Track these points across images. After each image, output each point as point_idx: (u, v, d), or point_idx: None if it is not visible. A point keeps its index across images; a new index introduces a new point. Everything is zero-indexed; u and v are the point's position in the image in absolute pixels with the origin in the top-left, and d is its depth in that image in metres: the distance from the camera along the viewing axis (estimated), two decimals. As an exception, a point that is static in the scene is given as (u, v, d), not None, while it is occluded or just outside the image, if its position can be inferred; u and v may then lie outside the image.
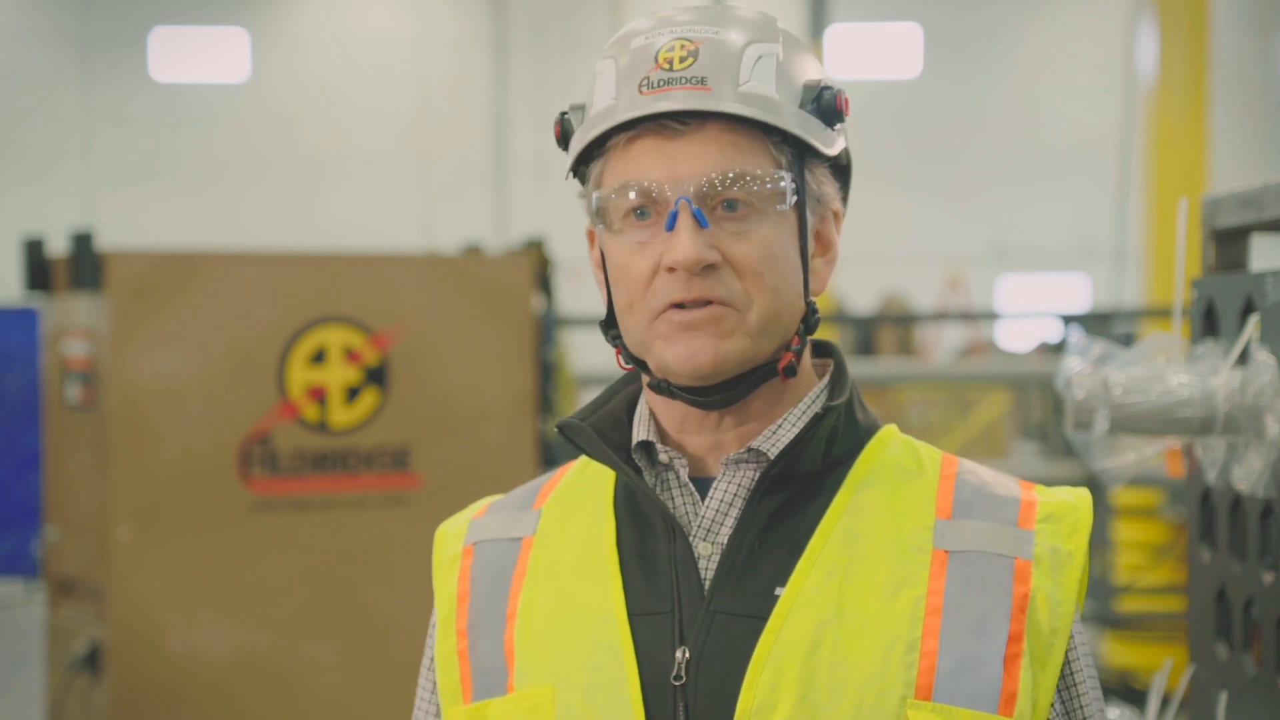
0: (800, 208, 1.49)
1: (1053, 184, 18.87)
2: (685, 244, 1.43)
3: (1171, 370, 2.03)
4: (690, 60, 1.45)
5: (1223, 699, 2.12)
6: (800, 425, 1.50)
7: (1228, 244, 2.23)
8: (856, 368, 7.83)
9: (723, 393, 1.48)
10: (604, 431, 1.54)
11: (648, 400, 1.55)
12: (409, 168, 18.77)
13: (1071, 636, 1.48)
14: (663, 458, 1.52)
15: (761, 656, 1.42)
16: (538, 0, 19.11)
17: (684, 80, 1.44)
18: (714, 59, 1.45)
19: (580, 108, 1.53)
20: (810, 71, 1.51)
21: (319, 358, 4.30)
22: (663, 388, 1.50)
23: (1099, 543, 7.04)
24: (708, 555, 1.48)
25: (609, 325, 1.54)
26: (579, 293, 9.83)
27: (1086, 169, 17.70)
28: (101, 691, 4.08)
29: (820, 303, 1.56)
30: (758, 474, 1.49)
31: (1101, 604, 7.06)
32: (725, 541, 1.48)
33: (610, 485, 1.56)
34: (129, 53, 18.75)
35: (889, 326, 12.30)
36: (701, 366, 1.45)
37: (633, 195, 1.46)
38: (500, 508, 1.62)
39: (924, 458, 1.54)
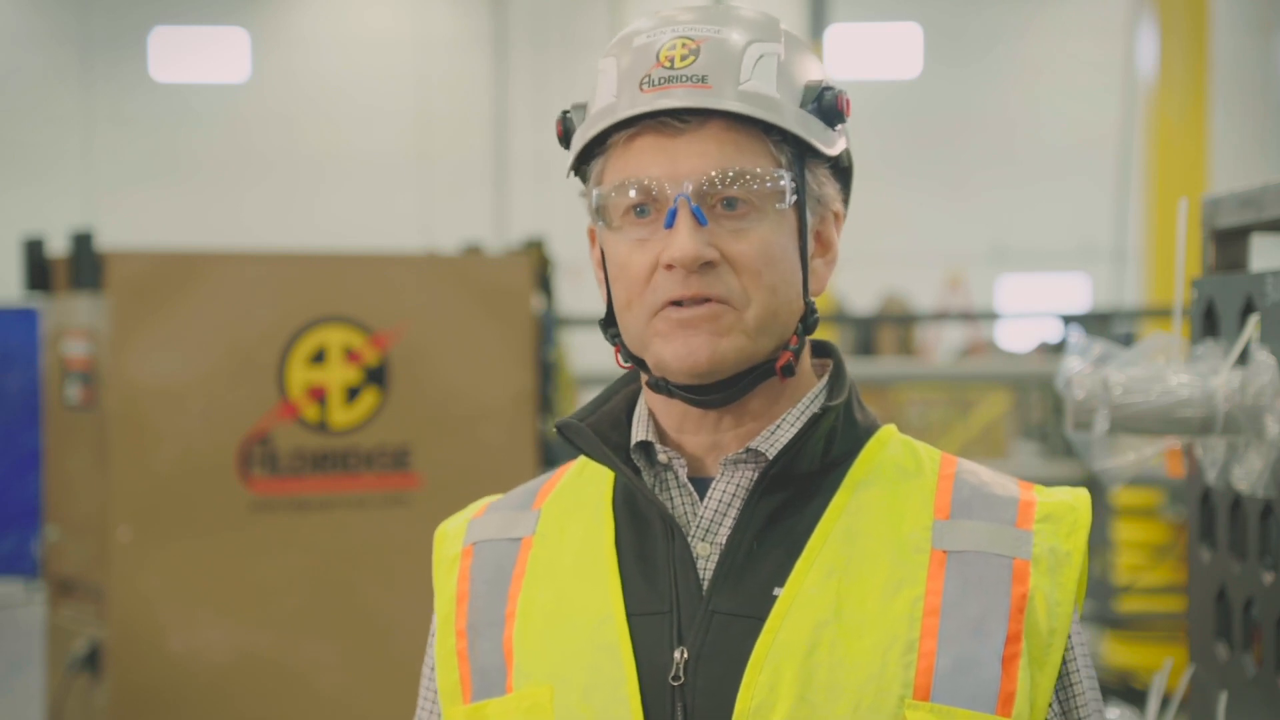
0: (800, 207, 1.49)
1: (1053, 184, 18.87)
2: (684, 241, 1.43)
3: (1171, 370, 2.03)
4: (692, 59, 1.45)
5: (1223, 699, 2.12)
6: (799, 425, 1.50)
7: (1228, 244, 2.23)
8: (856, 368, 7.83)
9: (720, 391, 1.48)
10: (603, 432, 1.54)
11: (647, 400, 1.55)
12: (409, 168, 18.77)
13: (1070, 636, 1.47)
14: (661, 458, 1.52)
15: (760, 657, 1.42)
16: (538, 0, 19.11)
17: (685, 78, 1.45)
18: (715, 58, 1.45)
19: (582, 106, 1.53)
20: (812, 72, 1.51)
21: (319, 358, 4.30)
22: (661, 386, 1.50)
23: (1099, 543, 7.04)
24: (706, 555, 1.48)
25: (608, 324, 1.54)
26: (579, 293, 9.83)
27: (1086, 169, 17.70)
28: (101, 691, 4.08)
29: (820, 303, 1.56)
30: (756, 474, 1.49)
31: (1101, 604, 7.06)
32: (724, 542, 1.48)
33: (609, 485, 1.56)
34: (129, 53, 18.75)
35: (889, 326, 12.31)
36: (699, 365, 1.45)
37: (633, 193, 1.46)
38: (499, 508, 1.62)
39: (923, 458, 1.54)
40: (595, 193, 1.50)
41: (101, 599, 4.11)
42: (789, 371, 1.50)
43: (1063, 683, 1.48)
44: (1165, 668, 2.22)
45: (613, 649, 1.45)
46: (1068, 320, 8.72)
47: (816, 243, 1.53)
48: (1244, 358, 2.01)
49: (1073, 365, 2.10)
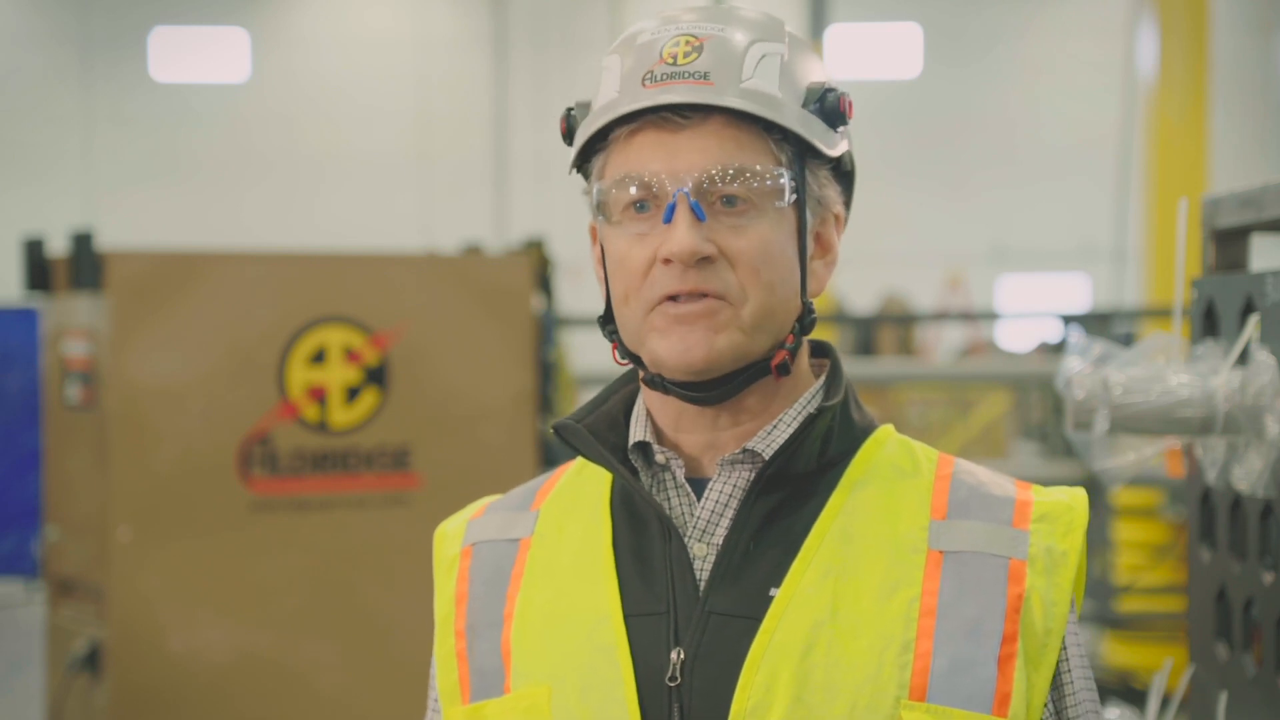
0: (800, 207, 1.50)
1: (1053, 184, 18.87)
2: (681, 235, 1.44)
3: (1171, 370, 2.03)
4: (694, 56, 1.46)
5: (1223, 699, 2.12)
6: (795, 425, 1.50)
7: (1228, 244, 2.23)
8: (857, 368, 7.83)
9: (716, 388, 1.48)
10: (600, 432, 1.54)
11: (644, 399, 1.55)
12: (409, 168, 18.77)
13: (1065, 637, 1.47)
14: (659, 458, 1.52)
15: (756, 657, 1.42)
16: (538, 0, 19.11)
17: (687, 75, 1.45)
18: (718, 55, 1.46)
19: (586, 104, 1.54)
20: (815, 73, 1.52)
21: (319, 358, 4.30)
22: (657, 383, 1.50)
23: (1099, 543, 7.04)
24: (703, 556, 1.48)
25: (606, 320, 1.54)
26: (579, 293, 9.83)
27: (1086, 169, 17.70)
28: (101, 691, 4.08)
29: (820, 303, 1.56)
30: (753, 474, 1.49)
31: (1101, 604, 7.06)
32: (720, 542, 1.48)
33: (607, 486, 1.56)
34: (129, 53, 18.75)
35: (889, 326, 12.31)
36: (695, 361, 1.45)
37: (633, 188, 1.47)
38: (498, 508, 1.62)
39: (920, 458, 1.54)
40: (596, 188, 1.50)
41: (101, 599, 4.11)
42: (784, 370, 1.50)
43: (1056, 682, 1.48)
44: (1165, 668, 2.22)
45: (610, 650, 1.45)
46: (1068, 320, 8.72)
47: (816, 244, 1.53)
48: (1244, 358, 2.01)
49: (1073, 365, 2.10)
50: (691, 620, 1.45)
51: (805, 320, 1.51)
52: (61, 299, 4.33)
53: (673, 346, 1.46)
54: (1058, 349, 8.73)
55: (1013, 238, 19.22)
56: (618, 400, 1.58)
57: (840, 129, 1.52)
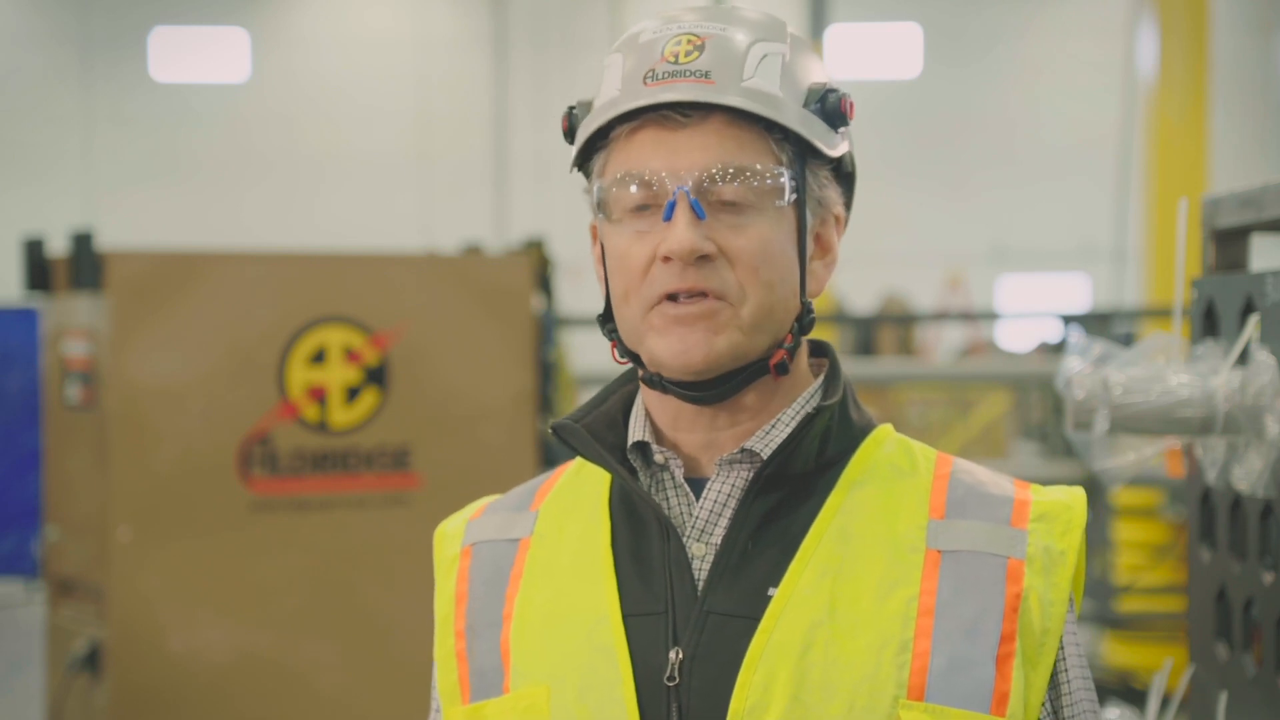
0: (800, 207, 1.50)
1: (1053, 184, 18.87)
2: (681, 233, 1.44)
3: (1171, 370, 2.03)
4: (696, 54, 1.46)
5: (1223, 699, 2.12)
6: (794, 425, 1.50)
7: (1228, 244, 2.23)
8: (857, 368, 7.83)
9: (715, 388, 1.48)
10: (598, 432, 1.54)
11: (643, 398, 1.55)
12: (409, 168, 18.77)
13: (1063, 636, 1.47)
14: (658, 458, 1.52)
15: (754, 657, 1.42)
16: (538, 0, 19.11)
17: (688, 73, 1.45)
18: (719, 55, 1.46)
19: (588, 103, 1.54)
20: (816, 74, 1.52)
21: (319, 358, 4.31)
22: (655, 382, 1.50)
23: (1099, 543, 7.04)
24: (701, 556, 1.48)
25: (606, 319, 1.54)
26: (579, 293, 9.83)
27: (1086, 169, 17.70)
28: (101, 691, 4.08)
29: (820, 303, 1.56)
30: (751, 474, 1.49)
31: (1101, 604, 7.06)
32: (719, 542, 1.48)
33: (606, 486, 1.56)
34: (129, 53, 18.75)
35: (889, 326, 12.31)
36: (694, 362, 1.46)
37: (633, 186, 1.47)
38: (498, 508, 1.62)
39: (918, 457, 1.54)
40: (596, 186, 1.50)
41: (101, 599, 4.12)
42: (782, 370, 1.50)
43: (1053, 682, 1.48)
44: (1165, 668, 2.22)
45: (608, 650, 1.45)
46: (1068, 320, 8.72)
47: (816, 244, 1.53)
48: (1244, 358, 2.01)
49: (1073, 365, 2.10)
50: (690, 620, 1.45)
51: (804, 320, 1.51)
52: (61, 299, 4.33)
53: (671, 347, 1.46)
54: (1058, 349, 8.73)
55: (1013, 238, 19.22)
56: (616, 400, 1.58)
57: (841, 130, 1.52)
